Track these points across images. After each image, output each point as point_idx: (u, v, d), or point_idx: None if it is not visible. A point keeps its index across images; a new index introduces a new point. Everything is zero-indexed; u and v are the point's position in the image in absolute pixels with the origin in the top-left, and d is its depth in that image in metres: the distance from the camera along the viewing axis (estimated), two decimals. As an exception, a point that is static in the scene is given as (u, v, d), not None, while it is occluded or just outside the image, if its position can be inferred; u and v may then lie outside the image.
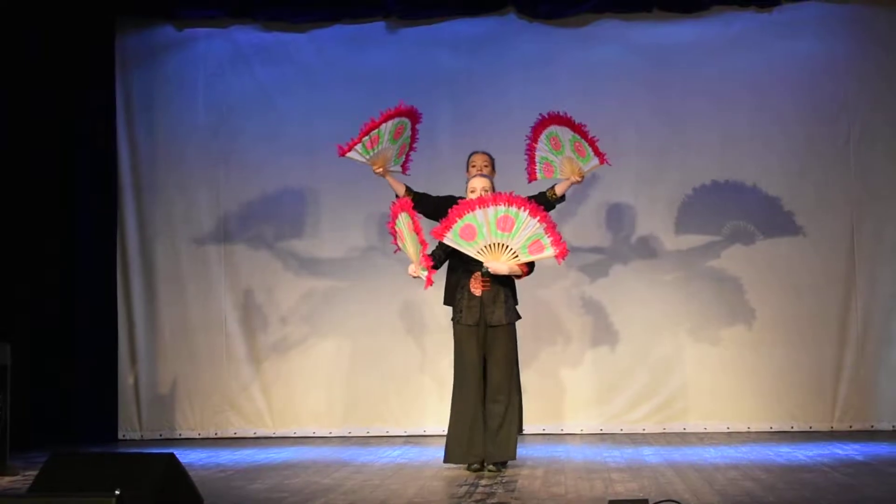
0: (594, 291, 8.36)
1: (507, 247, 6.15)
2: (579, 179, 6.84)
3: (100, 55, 8.61)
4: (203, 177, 8.65)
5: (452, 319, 6.43)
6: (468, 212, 6.14)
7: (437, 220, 6.47)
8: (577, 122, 6.72)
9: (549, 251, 6.10)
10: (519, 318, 6.49)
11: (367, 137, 6.80)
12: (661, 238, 8.37)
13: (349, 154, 6.86)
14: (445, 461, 6.35)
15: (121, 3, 8.56)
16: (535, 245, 6.13)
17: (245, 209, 8.63)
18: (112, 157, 8.63)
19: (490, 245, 6.16)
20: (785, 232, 8.29)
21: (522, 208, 6.10)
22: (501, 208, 6.12)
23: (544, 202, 6.72)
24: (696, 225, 8.35)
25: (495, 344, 6.31)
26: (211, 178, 8.65)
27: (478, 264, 6.24)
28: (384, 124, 6.82)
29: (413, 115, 6.99)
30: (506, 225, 6.12)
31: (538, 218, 6.10)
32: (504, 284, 6.35)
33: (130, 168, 8.66)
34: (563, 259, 6.17)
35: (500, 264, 6.17)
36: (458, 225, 6.16)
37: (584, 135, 6.71)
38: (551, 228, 6.12)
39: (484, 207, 6.13)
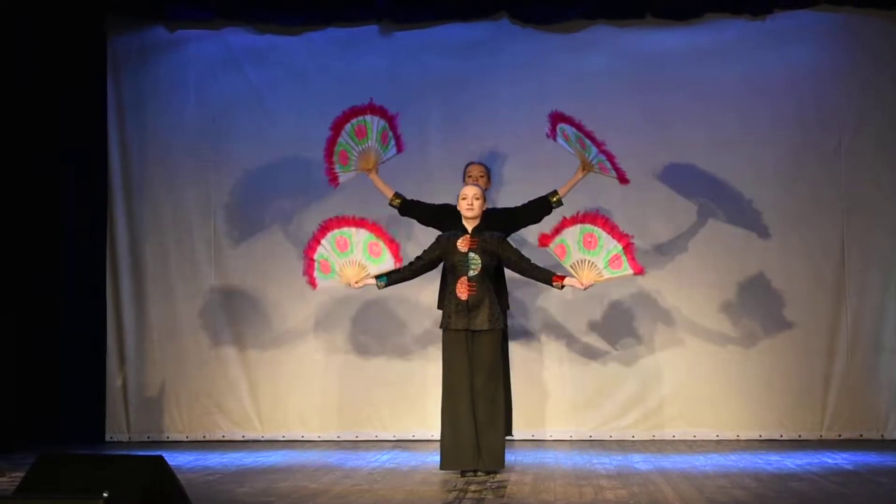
0: (583, 298, 8.33)
1: (593, 263, 6.38)
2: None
3: (91, 56, 8.58)
4: (193, 178, 8.62)
5: (441, 326, 6.44)
6: (557, 235, 6.46)
7: (434, 227, 6.84)
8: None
9: (627, 268, 6.42)
10: (504, 325, 6.53)
11: (334, 159, 7.12)
12: (650, 244, 8.36)
13: (342, 179, 7.20)
14: (441, 468, 6.37)
15: (112, 4, 8.52)
16: (616, 260, 6.41)
17: (235, 211, 8.60)
18: (102, 158, 8.59)
19: (578, 262, 6.39)
20: (775, 240, 8.29)
21: (603, 228, 6.45)
22: (587, 227, 6.44)
23: (544, 206, 6.90)
24: (686, 231, 8.34)
25: (479, 349, 6.34)
26: (201, 180, 8.62)
27: (464, 269, 6.31)
28: (339, 137, 7.08)
29: (368, 110, 7.08)
30: (591, 242, 6.42)
31: (616, 238, 6.45)
32: (490, 290, 6.38)
33: (120, 168, 8.62)
34: (641, 273, 6.57)
35: (574, 280, 6.37)
36: (556, 243, 6.47)
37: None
38: (629, 247, 6.45)
39: (568, 227, 6.46)
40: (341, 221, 6.57)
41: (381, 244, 6.50)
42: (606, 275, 6.42)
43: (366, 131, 7.07)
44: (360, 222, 6.56)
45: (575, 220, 6.49)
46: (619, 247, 6.43)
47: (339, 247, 6.52)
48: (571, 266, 6.42)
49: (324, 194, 8.45)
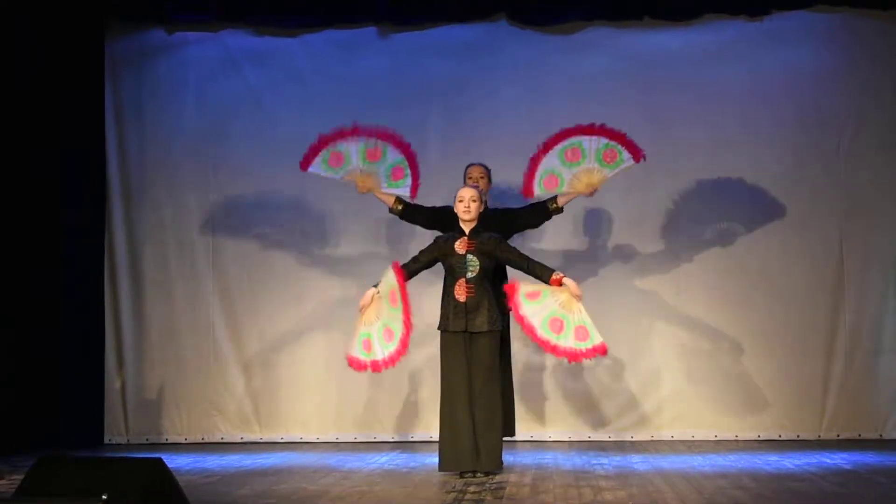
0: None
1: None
2: (589, 193, 6.97)
3: (90, 58, 8.58)
4: (192, 180, 8.63)
5: (439, 327, 6.44)
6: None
7: (436, 230, 6.84)
8: (609, 129, 6.82)
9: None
10: (502, 326, 6.52)
11: (326, 152, 7.04)
12: (650, 246, 8.37)
13: (312, 169, 7.10)
14: (440, 469, 6.37)
15: (112, 7, 8.52)
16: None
17: (234, 213, 8.60)
18: (101, 160, 8.60)
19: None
20: (775, 241, 8.30)
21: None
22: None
23: (543, 212, 6.91)
24: (686, 233, 8.35)
25: (478, 351, 6.33)
26: (200, 182, 8.62)
27: (462, 271, 6.31)
28: (346, 144, 7.02)
29: (387, 138, 7.06)
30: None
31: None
32: (488, 291, 6.37)
33: (119, 171, 8.63)
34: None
35: (572, 283, 6.35)
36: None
37: (618, 137, 6.79)
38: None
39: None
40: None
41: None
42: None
43: (379, 156, 7.05)
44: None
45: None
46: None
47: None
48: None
49: (324, 194, 8.46)
